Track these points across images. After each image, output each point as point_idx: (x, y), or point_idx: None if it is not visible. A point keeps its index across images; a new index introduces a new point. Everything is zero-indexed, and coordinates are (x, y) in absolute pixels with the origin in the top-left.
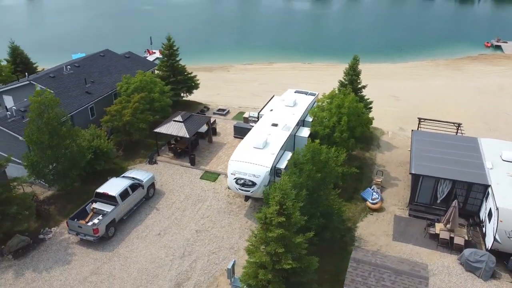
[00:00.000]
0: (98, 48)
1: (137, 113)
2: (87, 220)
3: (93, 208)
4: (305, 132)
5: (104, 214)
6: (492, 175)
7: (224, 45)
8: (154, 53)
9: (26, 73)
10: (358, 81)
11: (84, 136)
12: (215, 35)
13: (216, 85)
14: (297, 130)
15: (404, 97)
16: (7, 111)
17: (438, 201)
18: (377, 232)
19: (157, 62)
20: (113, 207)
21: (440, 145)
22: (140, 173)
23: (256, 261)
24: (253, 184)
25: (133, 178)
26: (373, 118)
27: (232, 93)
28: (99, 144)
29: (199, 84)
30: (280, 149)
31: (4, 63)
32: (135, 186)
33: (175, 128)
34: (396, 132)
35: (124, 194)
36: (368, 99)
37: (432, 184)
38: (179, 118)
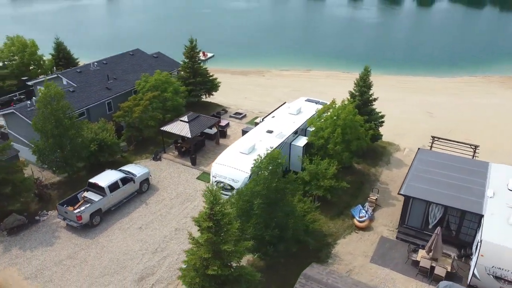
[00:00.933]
0: (151, 47)
1: (148, 111)
2: (76, 207)
3: (84, 196)
4: (301, 141)
5: (92, 203)
6: (489, 204)
7: (267, 50)
8: (207, 55)
9: (55, 68)
10: (370, 93)
11: (91, 128)
12: (262, 40)
13: (247, 89)
14: (294, 139)
15: (441, 114)
16: (29, 101)
17: (430, 226)
18: (355, 252)
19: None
20: (101, 197)
21: (444, 167)
22: (136, 168)
23: (190, 263)
24: (232, 188)
25: (128, 172)
26: (380, 134)
27: (260, 98)
28: (104, 137)
29: (219, 86)
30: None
31: (49, 57)
32: (127, 179)
33: (179, 127)
34: (414, 150)
35: (113, 186)
36: (379, 112)
37: (423, 207)
38: (185, 118)
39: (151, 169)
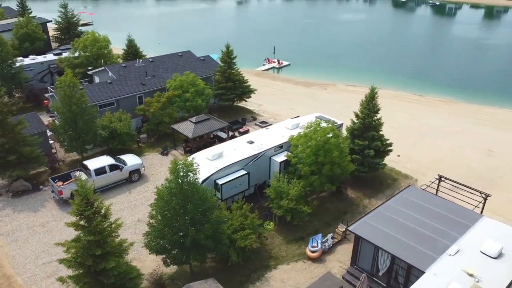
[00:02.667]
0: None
1: (166, 108)
2: (65, 183)
3: (75, 175)
4: (281, 157)
5: None
6: (443, 263)
7: (346, 64)
8: (273, 62)
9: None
10: (376, 117)
11: (108, 117)
12: (346, 53)
13: (299, 100)
14: (276, 154)
15: (504, 154)
16: None
17: (380, 274)
18: (289, 281)
19: (270, 71)
20: (87, 178)
21: (424, 211)
22: (131, 158)
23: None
24: None
25: (121, 160)
26: (379, 163)
27: (306, 111)
28: (115, 126)
29: (253, 92)
30: (233, 164)
31: (121, 51)
32: (115, 167)
33: (185, 127)
34: (435, 187)
35: (100, 171)
36: (387, 140)
37: (372, 251)
38: (193, 119)
39: (155, 162)
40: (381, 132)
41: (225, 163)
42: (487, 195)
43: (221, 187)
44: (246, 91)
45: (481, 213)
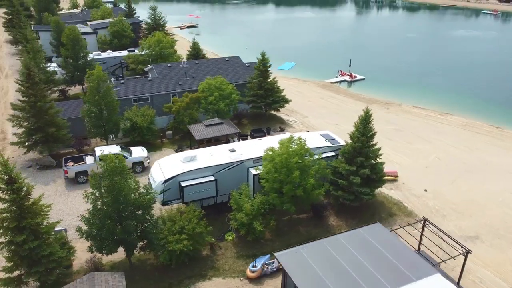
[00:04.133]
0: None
1: (190, 109)
2: (75, 164)
3: (86, 159)
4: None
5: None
6: None
7: (426, 84)
8: (346, 75)
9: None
10: (370, 143)
11: (133, 110)
12: (434, 73)
13: (350, 117)
14: (255, 165)
15: None
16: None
17: None
18: None
19: (339, 84)
20: (92, 163)
21: (373, 254)
22: (138, 151)
23: None
24: (151, 187)
25: (127, 151)
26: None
27: (349, 129)
28: (137, 120)
29: (285, 102)
30: (202, 169)
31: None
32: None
33: (197, 129)
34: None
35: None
36: (381, 168)
37: (292, 285)
38: (206, 122)
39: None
40: (380, 160)
41: (193, 167)
42: (468, 251)
43: (183, 189)
44: (277, 101)
45: (462, 270)
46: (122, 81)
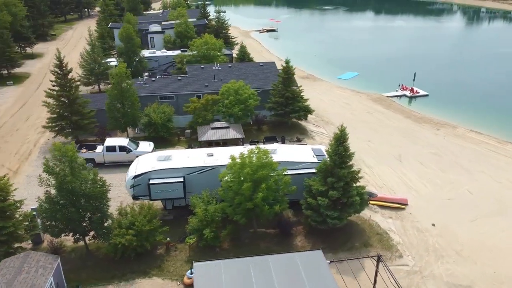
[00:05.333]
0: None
1: (205, 110)
2: (87, 151)
3: (98, 147)
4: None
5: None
6: None
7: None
8: (407, 89)
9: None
10: (346, 163)
11: (152, 107)
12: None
13: (387, 135)
14: None
15: None
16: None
17: None
18: None
19: (396, 99)
20: (100, 152)
21: (288, 280)
22: (144, 145)
23: None
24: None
25: (134, 144)
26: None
27: (382, 147)
28: (153, 117)
29: (308, 112)
30: (172, 169)
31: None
32: (123, 148)
33: (203, 130)
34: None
35: (110, 149)
36: (354, 192)
37: None
38: (213, 125)
39: None
40: (359, 183)
41: (163, 166)
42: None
43: (149, 187)
44: (297, 110)
45: None
46: (153, 79)
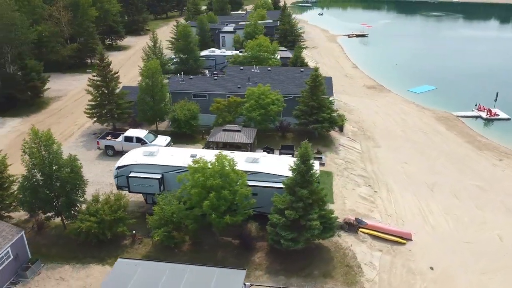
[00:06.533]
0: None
1: (228, 111)
2: (112, 138)
3: (120, 136)
4: None
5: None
6: None
7: None
8: (484, 110)
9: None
10: (310, 184)
11: (180, 104)
12: None
13: (433, 159)
14: None
15: None
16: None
17: None
18: (93, 280)
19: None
20: (120, 140)
21: None
22: (160, 139)
23: None
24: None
25: (152, 137)
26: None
27: (417, 174)
28: (178, 113)
29: (334, 124)
30: (153, 165)
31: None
32: (139, 139)
33: (216, 131)
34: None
35: (128, 139)
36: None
37: None
38: (226, 127)
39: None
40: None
41: (144, 161)
42: None
43: (128, 179)
44: (321, 121)
45: None
46: (190, 77)
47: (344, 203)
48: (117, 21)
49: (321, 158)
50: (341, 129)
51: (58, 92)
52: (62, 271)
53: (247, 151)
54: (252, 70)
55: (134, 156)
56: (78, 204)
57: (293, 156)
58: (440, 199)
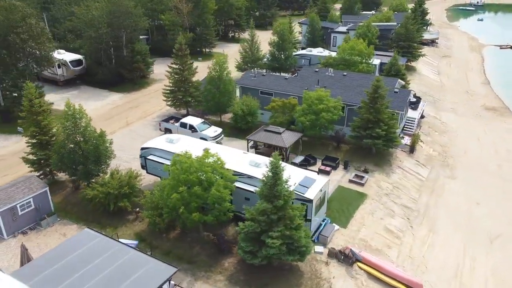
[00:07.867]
0: None
1: (284, 111)
2: (174, 122)
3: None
4: None
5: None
6: None
7: None
8: None
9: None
10: (278, 201)
11: (243, 99)
12: None
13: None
14: None
15: None
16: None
17: None
18: None
19: None
20: (177, 125)
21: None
22: (211, 130)
23: None
24: None
25: (205, 127)
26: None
27: (483, 220)
28: (235, 108)
29: (393, 142)
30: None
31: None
32: (191, 127)
33: (257, 130)
34: None
35: (183, 125)
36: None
37: None
38: (268, 128)
39: (235, 145)
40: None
41: (163, 147)
42: None
43: (145, 160)
44: (375, 137)
45: None
46: (263, 74)
47: (358, 230)
48: (240, 15)
49: (362, 177)
50: (411, 150)
51: (162, 76)
52: (69, 229)
53: (282, 155)
54: (326, 73)
55: (157, 141)
56: (96, 174)
57: (335, 169)
58: (494, 256)
